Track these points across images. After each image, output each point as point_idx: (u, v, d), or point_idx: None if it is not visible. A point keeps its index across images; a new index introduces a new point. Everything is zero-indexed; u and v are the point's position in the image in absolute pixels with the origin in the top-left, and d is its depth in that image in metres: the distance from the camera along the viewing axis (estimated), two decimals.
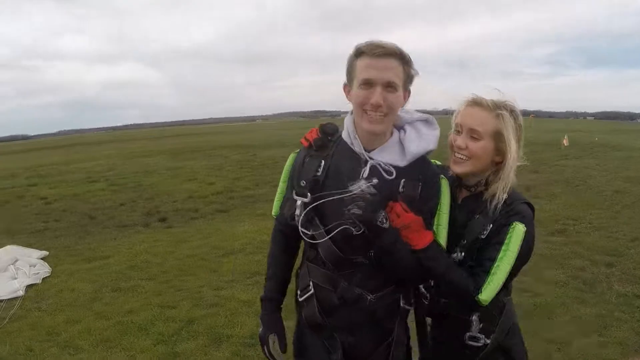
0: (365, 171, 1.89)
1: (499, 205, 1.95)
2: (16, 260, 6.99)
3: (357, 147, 1.93)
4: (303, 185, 1.95)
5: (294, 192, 1.98)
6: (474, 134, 1.96)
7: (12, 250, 7.45)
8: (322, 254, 1.97)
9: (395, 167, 1.90)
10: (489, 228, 1.95)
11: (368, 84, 1.81)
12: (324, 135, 2.05)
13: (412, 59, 1.86)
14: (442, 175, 1.99)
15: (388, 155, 1.92)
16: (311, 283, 2.04)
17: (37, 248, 7.95)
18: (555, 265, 6.34)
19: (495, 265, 1.85)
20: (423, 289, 2.17)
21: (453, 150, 2.03)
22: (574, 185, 12.39)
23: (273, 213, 2.24)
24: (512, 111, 1.97)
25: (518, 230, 1.87)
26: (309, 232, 1.95)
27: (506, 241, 1.86)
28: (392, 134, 1.97)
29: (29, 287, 6.31)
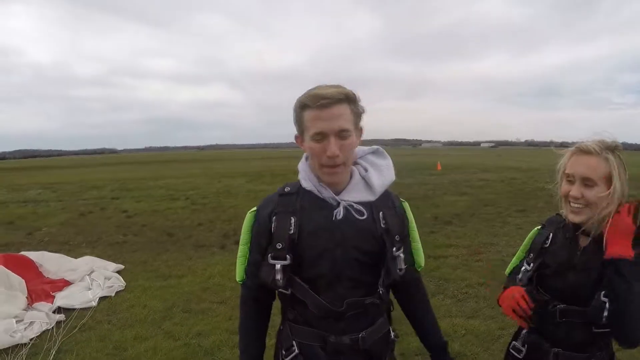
0: (339, 212, 1.85)
1: None
2: (92, 272, 7.08)
3: (326, 193, 1.87)
4: (280, 247, 1.83)
5: (269, 255, 1.86)
6: (587, 182, 1.94)
7: (90, 261, 7.56)
8: (311, 309, 1.87)
9: (367, 203, 1.89)
10: None
11: (320, 136, 1.76)
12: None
13: (356, 95, 1.81)
14: (401, 199, 2.07)
15: (358, 194, 1.90)
16: (294, 342, 1.94)
17: (114, 260, 8.02)
18: None
19: None
20: (517, 346, 2.22)
21: (568, 200, 2.01)
22: None
23: (238, 279, 2.06)
24: (616, 148, 1.96)
25: None
26: (288, 292, 1.88)
27: None
28: (351, 172, 1.93)
29: (102, 299, 6.31)
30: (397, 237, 1.89)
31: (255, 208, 2.01)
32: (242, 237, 2.02)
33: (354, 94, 1.79)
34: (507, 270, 2.42)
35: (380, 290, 1.89)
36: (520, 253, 2.37)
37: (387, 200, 1.96)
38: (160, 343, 4.95)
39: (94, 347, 4.86)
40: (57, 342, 4.89)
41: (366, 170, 1.96)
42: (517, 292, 2.09)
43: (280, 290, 1.88)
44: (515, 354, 2.22)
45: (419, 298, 2.15)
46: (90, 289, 6.50)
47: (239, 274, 2.05)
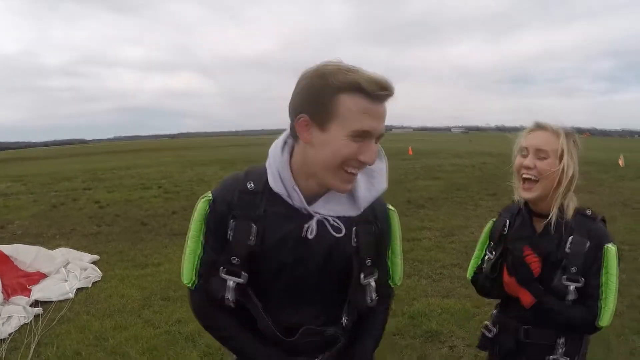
0: (311, 229, 1.52)
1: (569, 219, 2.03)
2: (68, 263, 7.02)
3: (298, 202, 1.52)
4: (235, 262, 1.52)
5: (222, 269, 1.54)
6: (540, 154, 2.02)
7: (65, 253, 7.50)
8: (260, 328, 1.59)
9: (346, 218, 1.55)
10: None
11: (364, 135, 1.40)
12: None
13: None
14: (388, 206, 1.75)
15: (336, 206, 1.55)
16: None
17: (89, 251, 7.97)
18: None
19: (603, 291, 1.95)
20: (490, 324, 2.29)
21: (520, 174, 2.07)
22: (631, 207, 11.60)
23: (186, 282, 1.66)
24: (571, 134, 2.06)
25: (611, 252, 1.96)
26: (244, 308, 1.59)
27: (604, 264, 1.95)
28: None
29: (79, 290, 6.28)
30: (367, 261, 1.58)
31: (209, 195, 1.63)
32: (192, 227, 1.64)
33: None
34: (469, 274, 2.38)
35: (344, 321, 1.62)
36: (478, 252, 2.37)
37: (368, 210, 1.60)
38: (140, 332, 4.97)
39: (74, 338, 4.84)
40: (37, 335, 4.86)
41: None
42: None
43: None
44: (487, 334, 2.28)
45: (371, 325, 1.74)
46: (66, 280, 6.44)
47: (187, 275, 1.64)
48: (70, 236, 9.68)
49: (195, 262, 1.63)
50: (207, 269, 1.60)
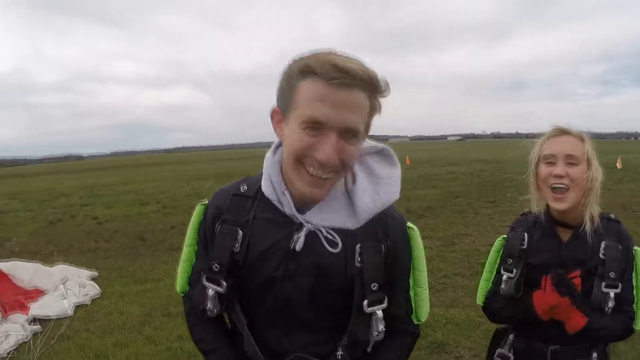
0: (299, 241, 1.33)
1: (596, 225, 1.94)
2: (66, 280, 6.93)
3: (287, 207, 1.35)
4: (216, 269, 1.37)
5: (203, 276, 1.41)
6: (571, 160, 1.89)
7: (63, 270, 7.42)
8: (245, 349, 1.44)
9: (343, 231, 1.35)
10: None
11: (316, 126, 1.21)
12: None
13: (386, 82, 1.26)
14: (408, 224, 1.52)
15: (331, 216, 1.35)
16: None
17: (87, 267, 7.88)
18: None
19: (635, 294, 1.89)
20: (505, 351, 2.10)
21: (549, 183, 1.93)
22: (631, 210, 11.52)
23: (178, 290, 1.62)
24: (589, 136, 1.96)
25: (638, 255, 1.90)
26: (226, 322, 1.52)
27: (635, 267, 1.90)
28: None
29: (78, 307, 6.20)
30: (373, 286, 1.34)
31: (206, 201, 1.55)
32: (187, 235, 1.58)
33: (385, 81, 1.25)
34: (480, 299, 2.20)
35: (340, 354, 1.40)
36: (487, 274, 2.19)
37: (376, 226, 1.39)
38: (141, 349, 4.89)
39: (74, 356, 4.77)
40: (36, 354, 4.78)
41: (355, 181, 1.39)
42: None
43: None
44: None
45: (390, 352, 1.48)
46: (65, 297, 6.35)
47: (180, 283, 1.60)
48: (69, 252, 9.59)
49: (189, 270, 1.58)
50: (196, 277, 1.51)
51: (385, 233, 1.41)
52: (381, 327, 1.35)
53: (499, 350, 2.11)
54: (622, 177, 18.68)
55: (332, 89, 1.17)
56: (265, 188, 1.39)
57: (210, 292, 1.38)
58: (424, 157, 40.89)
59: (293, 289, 1.36)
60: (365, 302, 1.33)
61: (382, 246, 1.38)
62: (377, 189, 1.40)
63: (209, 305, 1.39)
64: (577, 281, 1.86)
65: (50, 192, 23.72)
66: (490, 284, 2.15)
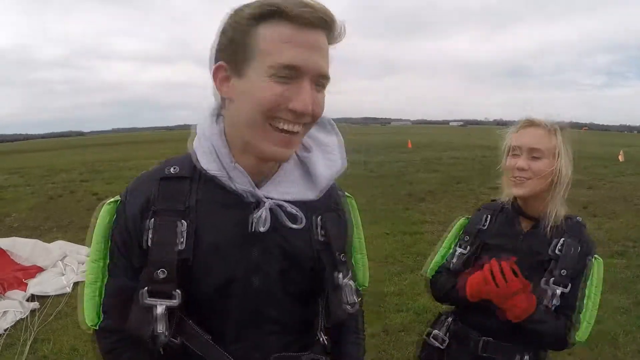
0: (262, 219, 1.14)
1: (559, 222, 1.90)
2: (65, 256, 6.91)
3: (241, 183, 1.15)
4: (163, 276, 1.10)
5: (145, 291, 1.11)
6: (534, 154, 1.88)
7: (62, 246, 7.39)
8: None
9: (303, 203, 1.21)
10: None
11: (292, 73, 1.05)
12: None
13: (344, 27, 1.11)
14: (346, 193, 1.43)
15: (292, 188, 1.21)
16: None
17: (86, 244, 7.84)
18: (617, 290, 5.77)
19: (586, 304, 1.80)
20: (441, 333, 2.08)
21: (510, 175, 1.96)
22: (633, 203, 11.48)
23: (88, 324, 1.24)
24: (564, 127, 1.92)
25: (601, 265, 1.85)
26: (177, 342, 1.18)
27: (591, 276, 1.82)
28: None
29: (76, 284, 6.14)
30: (341, 256, 1.25)
31: (117, 198, 1.25)
32: (92, 247, 1.22)
33: (342, 25, 1.10)
34: (430, 272, 2.16)
35: (322, 339, 1.32)
36: (444, 250, 2.16)
37: (329, 197, 1.30)
38: None
39: (71, 334, 4.75)
40: (33, 331, 4.77)
41: (308, 150, 1.28)
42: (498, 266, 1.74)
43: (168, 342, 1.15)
44: (435, 343, 2.08)
45: (349, 336, 1.42)
46: (63, 274, 6.35)
47: (89, 315, 1.23)
48: (68, 229, 9.55)
49: (97, 292, 1.23)
50: (117, 298, 1.19)
51: (335, 202, 1.34)
52: (354, 297, 1.27)
53: (434, 332, 2.11)
54: (624, 169, 18.63)
55: (302, 30, 1.04)
56: (208, 164, 1.16)
57: (159, 309, 1.10)
58: (426, 141, 40.79)
59: (262, 284, 1.19)
60: (340, 274, 1.24)
61: (336, 215, 1.31)
62: (328, 156, 1.28)
63: (160, 328, 1.10)
64: (515, 267, 1.75)
65: (51, 168, 23.64)
66: (443, 260, 2.15)
